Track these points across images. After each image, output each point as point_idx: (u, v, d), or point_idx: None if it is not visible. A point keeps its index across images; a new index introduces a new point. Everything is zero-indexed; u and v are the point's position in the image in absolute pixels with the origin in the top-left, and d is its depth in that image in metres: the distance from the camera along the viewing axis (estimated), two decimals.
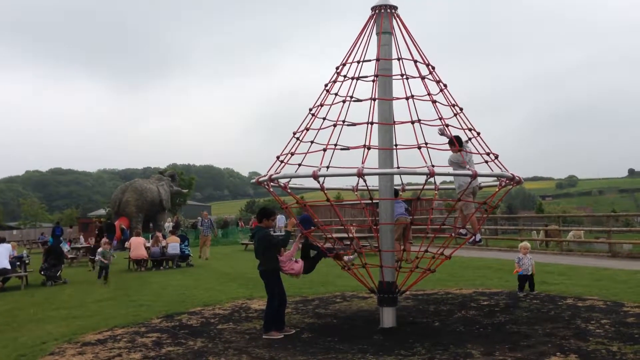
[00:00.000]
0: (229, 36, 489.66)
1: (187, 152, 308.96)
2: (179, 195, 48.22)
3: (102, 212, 67.31)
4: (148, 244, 20.88)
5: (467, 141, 8.81)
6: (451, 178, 9.38)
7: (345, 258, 8.95)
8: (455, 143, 8.43)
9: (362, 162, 7.55)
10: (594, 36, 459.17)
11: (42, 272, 16.28)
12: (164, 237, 23.33)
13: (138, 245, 19.59)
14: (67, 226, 43.12)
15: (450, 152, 8.88)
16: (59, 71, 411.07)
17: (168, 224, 35.89)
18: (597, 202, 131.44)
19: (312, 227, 9.24)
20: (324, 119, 8.74)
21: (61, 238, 29.48)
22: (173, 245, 20.34)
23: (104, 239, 19.01)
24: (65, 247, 22.91)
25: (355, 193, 10.14)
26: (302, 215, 20.27)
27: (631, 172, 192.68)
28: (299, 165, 8.71)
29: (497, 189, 8.86)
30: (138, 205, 36.65)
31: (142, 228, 33.39)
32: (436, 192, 9.81)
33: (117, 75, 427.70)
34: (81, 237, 32.30)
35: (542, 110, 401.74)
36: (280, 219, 29.13)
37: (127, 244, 21.36)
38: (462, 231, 9.42)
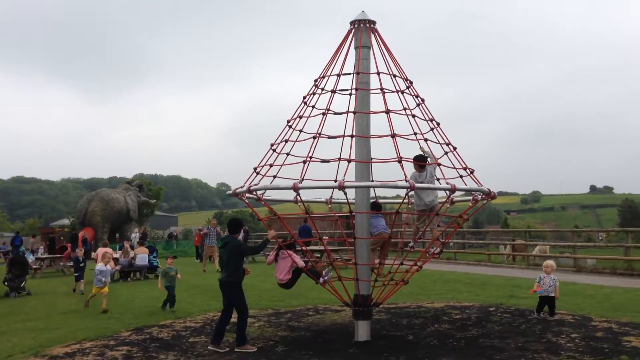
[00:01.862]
0: (202, 47, 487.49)
1: (154, 162, 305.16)
2: (147, 205, 47.61)
3: (65, 221, 65.96)
4: (116, 255, 20.49)
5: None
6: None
7: (321, 280, 8.92)
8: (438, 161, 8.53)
9: (344, 175, 7.57)
10: (559, 58, 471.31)
11: (6, 283, 15.83)
12: (132, 247, 22.96)
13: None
14: (30, 236, 42.07)
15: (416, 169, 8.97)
16: (23, 77, 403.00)
17: (135, 235, 35.35)
18: (560, 218, 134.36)
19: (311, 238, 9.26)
20: (301, 131, 8.75)
21: (22, 248, 28.75)
22: (141, 257, 20.01)
23: (78, 249, 18.29)
24: (30, 258, 22.34)
25: (329, 206, 10.16)
26: (302, 225, 20.14)
27: (593, 188, 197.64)
28: (274, 177, 8.71)
29: (470, 204, 8.96)
30: (104, 216, 36.06)
31: (108, 239, 32.81)
32: (409, 205, 9.90)
33: (85, 82, 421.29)
34: (41, 247, 31.56)
35: (508, 128, 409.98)
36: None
37: (93, 255, 20.92)
38: (436, 250, 9.46)
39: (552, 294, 10.04)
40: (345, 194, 7.49)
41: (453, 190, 7.57)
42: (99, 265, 12.68)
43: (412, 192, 8.17)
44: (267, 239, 8.78)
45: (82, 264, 16.10)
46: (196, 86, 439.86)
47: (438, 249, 9.20)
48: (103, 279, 12.37)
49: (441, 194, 8.94)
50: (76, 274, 16.30)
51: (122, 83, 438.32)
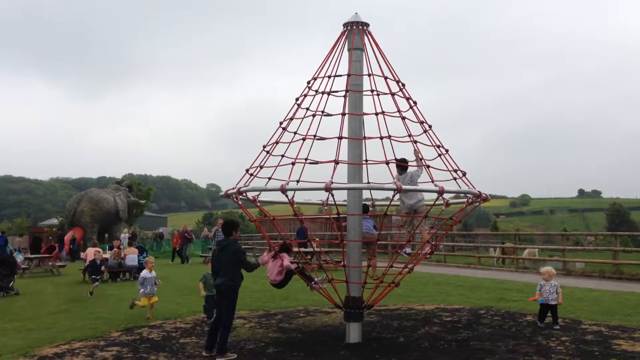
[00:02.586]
0: (192, 47, 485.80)
1: (144, 162, 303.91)
2: (137, 206, 47.34)
3: (54, 221, 65.54)
4: (106, 255, 20.37)
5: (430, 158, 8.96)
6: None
7: (313, 283, 8.88)
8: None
9: (331, 177, 7.49)
10: (548, 62, 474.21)
11: None
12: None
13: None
14: (17, 235, 41.70)
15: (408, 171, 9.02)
16: (13, 76, 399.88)
17: (124, 235, 35.13)
18: (548, 221, 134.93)
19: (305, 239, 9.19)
20: (295, 133, 8.73)
21: (9, 247, 28.50)
22: (131, 257, 19.90)
23: (96, 252, 18.04)
24: (19, 257, 22.14)
25: (325, 208, 10.16)
26: (300, 227, 20.07)
27: (581, 192, 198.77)
28: (269, 179, 8.69)
29: (464, 206, 8.98)
30: (93, 216, 35.82)
31: (97, 239, 32.61)
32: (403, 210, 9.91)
33: (74, 81, 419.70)
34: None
35: (497, 132, 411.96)
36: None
37: (82, 255, 20.80)
38: (407, 250, 9.51)
39: (553, 302, 9.55)
40: (333, 195, 7.45)
41: (441, 192, 7.57)
42: (144, 272, 11.48)
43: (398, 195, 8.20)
44: (259, 264, 8.74)
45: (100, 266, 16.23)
46: (186, 86, 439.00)
47: (429, 250, 9.25)
48: (151, 287, 11.30)
49: (431, 196, 8.96)
50: (93, 277, 16.16)
51: (112, 82, 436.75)
